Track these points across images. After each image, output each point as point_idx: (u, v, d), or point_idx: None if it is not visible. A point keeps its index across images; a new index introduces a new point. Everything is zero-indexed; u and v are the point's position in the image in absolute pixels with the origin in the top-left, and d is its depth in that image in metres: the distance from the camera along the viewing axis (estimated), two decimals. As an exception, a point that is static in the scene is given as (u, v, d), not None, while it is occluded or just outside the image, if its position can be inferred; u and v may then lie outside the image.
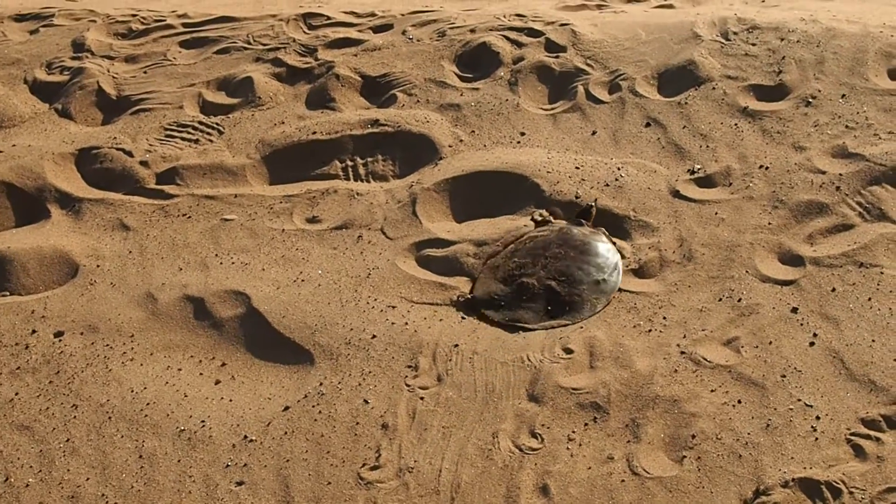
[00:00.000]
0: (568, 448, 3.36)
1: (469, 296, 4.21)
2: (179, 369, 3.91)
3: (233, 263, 4.37)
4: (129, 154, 5.15)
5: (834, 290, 3.89)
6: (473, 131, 5.09)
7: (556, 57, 5.56)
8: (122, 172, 5.08)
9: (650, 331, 3.82)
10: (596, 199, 4.62)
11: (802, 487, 3.13)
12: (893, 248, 4.07)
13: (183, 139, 5.26)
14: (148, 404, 3.72)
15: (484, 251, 4.32)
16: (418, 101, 5.35)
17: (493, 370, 3.71)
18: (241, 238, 4.54)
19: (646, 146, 4.90)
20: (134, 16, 6.60)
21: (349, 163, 5.00)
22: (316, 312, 4.02)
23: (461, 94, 5.36)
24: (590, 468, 3.28)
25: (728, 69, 5.31)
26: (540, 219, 4.56)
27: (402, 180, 4.85)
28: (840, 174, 4.45)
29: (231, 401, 3.73)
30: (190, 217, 4.71)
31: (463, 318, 4.07)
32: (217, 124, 5.36)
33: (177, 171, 5.01)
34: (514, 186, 4.68)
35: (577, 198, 4.54)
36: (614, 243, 4.40)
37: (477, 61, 5.68)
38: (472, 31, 5.87)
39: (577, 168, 4.73)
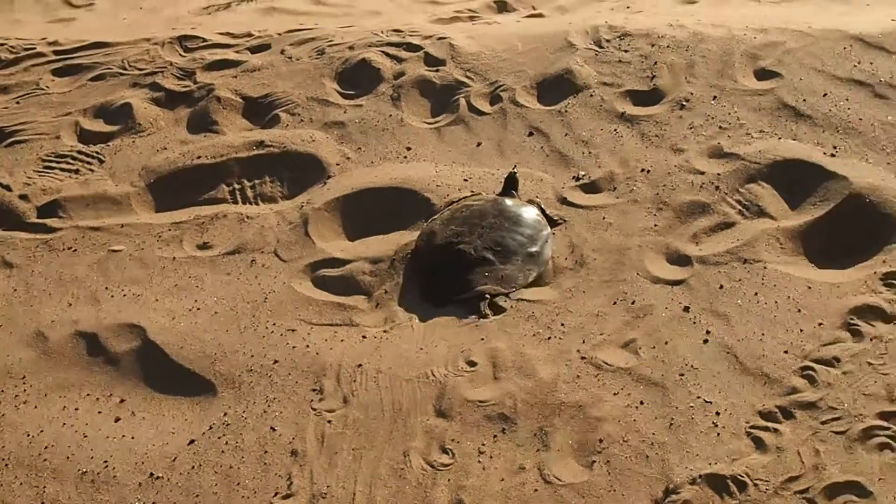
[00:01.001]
0: (479, 461, 3.36)
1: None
2: (76, 409, 3.80)
3: (124, 296, 4.27)
4: (7, 188, 4.99)
5: (722, 287, 3.98)
6: (360, 148, 5.06)
7: (437, 70, 5.56)
8: (1, 207, 4.91)
9: (550, 338, 3.84)
10: (516, 165, 4.83)
11: (710, 483, 3.19)
12: (774, 243, 4.19)
13: (62, 170, 5.13)
14: (46, 448, 3.61)
15: (379, 268, 4.25)
16: (302, 120, 5.30)
17: (398, 388, 3.69)
18: (131, 269, 4.44)
19: (530, 155, 4.94)
20: (2, 45, 6.43)
21: (237, 186, 4.93)
22: (214, 341, 3.95)
23: (345, 112, 5.33)
24: (503, 480, 3.28)
25: (604, 76, 5.38)
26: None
27: (292, 201, 4.80)
28: (718, 174, 4.56)
29: (133, 438, 3.63)
30: (76, 250, 4.59)
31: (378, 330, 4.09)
32: (97, 153, 5.24)
33: (58, 203, 4.87)
34: (404, 201, 4.66)
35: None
36: (545, 213, 4.53)
37: (358, 78, 5.64)
38: (351, 47, 5.83)
39: (466, 180, 4.75)
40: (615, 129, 4.98)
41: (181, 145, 5.22)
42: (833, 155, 4.61)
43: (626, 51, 5.52)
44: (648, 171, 4.66)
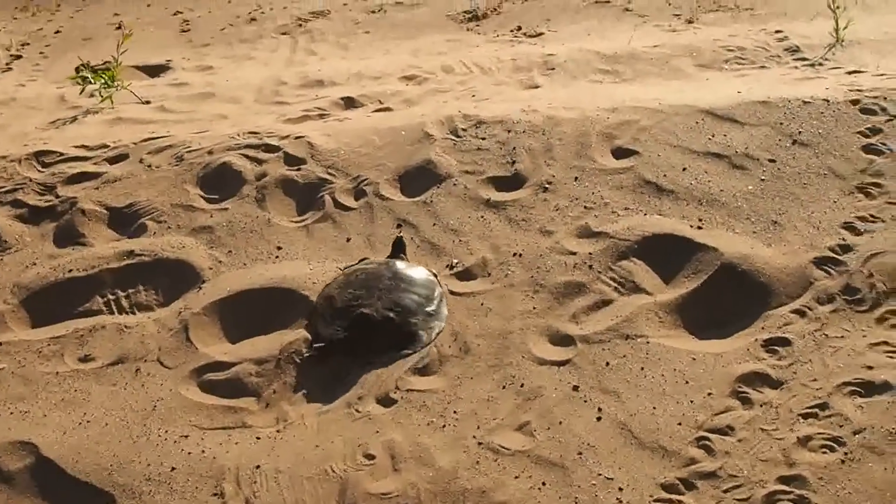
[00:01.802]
0: (389, 554, 3.30)
1: (317, 344, 4.41)
2: (-28, 533, 3.65)
3: (11, 413, 4.17)
4: None
5: (608, 364, 4.07)
6: (230, 251, 5.06)
7: (298, 169, 5.61)
8: None
9: (444, 426, 3.87)
10: (401, 228, 5.15)
11: (618, 561, 3.18)
12: (653, 317, 4.31)
13: (-71, 295, 5.01)
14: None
15: (266, 368, 4.25)
16: (169, 227, 5.27)
17: (299, 487, 3.68)
18: (14, 386, 4.33)
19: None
20: None
21: (111, 296, 4.87)
22: (109, 452, 3.89)
23: (211, 216, 5.33)
24: (414, 574, 3.24)
25: (465, 164, 5.50)
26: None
27: (169, 308, 4.76)
28: (590, 253, 4.69)
29: (38, 557, 3.53)
30: (-45, 371, 4.47)
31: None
32: (-35, 274, 5.12)
33: (-70, 327, 4.74)
34: (282, 300, 4.67)
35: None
36: (434, 274, 4.78)
37: (220, 182, 5.66)
38: (210, 152, 5.84)
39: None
40: (482, 216, 5.06)
41: (50, 260, 5.14)
42: (700, 227, 4.79)
43: (483, 138, 5.64)
44: (521, 255, 4.75)
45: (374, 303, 4.49)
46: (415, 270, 4.76)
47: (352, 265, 4.89)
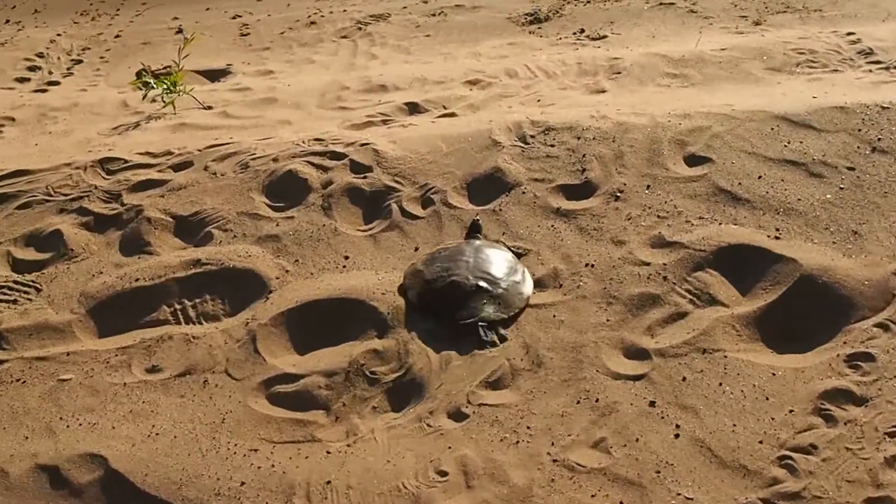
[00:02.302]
0: (467, 572, 3.22)
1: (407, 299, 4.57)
2: (44, 545, 3.61)
3: (80, 425, 4.12)
4: (-53, 323, 4.84)
5: (685, 379, 3.94)
6: (297, 260, 4.99)
7: (364, 177, 5.55)
8: (-56, 344, 4.73)
9: (518, 442, 3.76)
10: (477, 213, 5.21)
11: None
12: (730, 330, 4.17)
13: (0, 301, 4.97)
14: (18, 589, 3.44)
15: (335, 381, 4.18)
16: (235, 236, 5.22)
17: (371, 503, 3.56)
18: (82, 397, 4.28)
19: (470, 256, 4.85)
20: (-82, 182, 6.28)
21: (178, 306, 4.81)
22: (178, 466, 3.82)
23: (277, 225, 5.27)
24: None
25: (533, 172, 5.41)
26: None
27: (236, 318, 4.70)
28: (664, 264, 4.56)
29: (109, 571, 3.48)
30: (24, 381, 4.42)
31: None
32: (33, 282, 5.09)
33: (1, 335, 4.71)
34: (351, 312, 4.58)
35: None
36: (513, 251, 4.89)
37: (286, 190, 5.60)
38: (275, 159, 5.79)
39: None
40: (552, 225, 4.98)
41: (116, 269, 5.10)
42: (777, 237, 4.66)
43: (552, 145, 5.56)
44: (593, 266, 4.65)
45: (462, 272, 4.59)
46: (494, 247, 4.86)
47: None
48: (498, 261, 4.70)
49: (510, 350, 4.25)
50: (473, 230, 5.07)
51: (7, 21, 13.67)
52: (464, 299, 4.50)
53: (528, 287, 4.61)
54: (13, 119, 8.07)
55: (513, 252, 4.89)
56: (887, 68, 7.06)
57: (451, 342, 4.33)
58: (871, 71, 7.06)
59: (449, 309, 4.50)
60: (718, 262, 4.57)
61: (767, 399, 3.81)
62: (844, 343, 4.07)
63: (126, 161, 6.07)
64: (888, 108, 5.57)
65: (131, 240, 5.35)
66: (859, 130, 5.41)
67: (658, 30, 9.85)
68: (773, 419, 3.71)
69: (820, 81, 6.82)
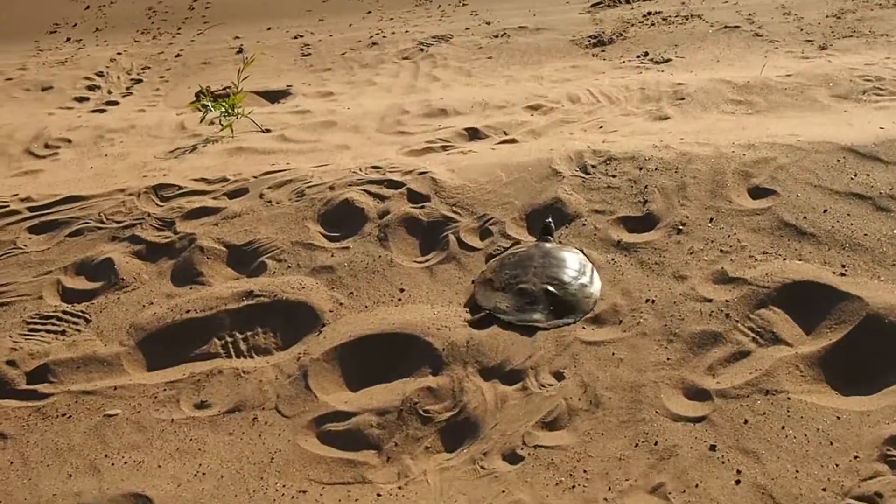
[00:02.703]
0: None
1: (480, 313, 4.65)
2: (88, 588, 3.55)
3: (125, 463, 4.05)
4: (-6, 354, 4.79)
5: (746, 422, 3.80)
6: (352, 293, 4.90)
7: (422, 207, 5.46)
8: (-11, 375, 4.69)
9: (574, 486, 3.64)
10: (549, 218, 5.27)
11: None
12: (794, 371, 4.02)
13: (48, 332, 4.92)
14: None
15: (387, 420, 4.08)
16: (289, 266, 5.15)
17: (422, 549, 3.46)
18: (129, 434, 4.22)
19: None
20: (-28, 205, 6.27)
21: (229, 339, 4.74)
22: (224, 508, 3.74)
23: (332, 255, 5.19)
24: None
25: (594, 203, 5.31)
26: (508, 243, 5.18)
27: (288, 352, 4.61)
28: (726, 300, 4.42)
29: None
30: (70, 416, 4.36)
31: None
32: (82, 312, 5.04)
33: (48, 367, 4.64)
34: (405, 348, 4.49)
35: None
36: (583, 252, 4.99)
37: (341, 219, 5.53)
38: (331, 188, 5.73)
39: (465, 322, 4.58)
40: (613, 259, 4.87)
41: (168, 299, 5.04)
42: (843, 274, 4.52)
43: (613, 176, 5.46)
44: (653, 302, 4.53)
45: (530, 279, 4.72)
46: (564, 249, 4.97)
47: (500, 251, 5.12)
48: (566, 263, 4.81)
49: (567, 389, 4.12)
50: (545, 233, 5.16)
51: (68, 39, 13.79)
52: (531, 305, 4.62)
53: (595, 288, 4.72)
54: (70, 140, 8.10)
55: (583, 254, 4.98)
56: (955, 97, 6.91)
57: (508, 379, 4.22)
58: (937, 99, 6.92)
59: (518, 313, 4.60)
60: (782, 299, 4.42)
61: (831, 444, 3.67)
62: (911, 385, 3.89)
63: (180, 187, 6.04)
64: (957, 140, 5.42)
65: (183, 269, 5.30)
66: (927, 164, 5.25)
67: (723, 53, 9.75)
68: (837, 465, 3.57)
69: (887, 110, 6.68)
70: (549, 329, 4.46)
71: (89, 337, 4.84)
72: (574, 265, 4.81)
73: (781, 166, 5.34)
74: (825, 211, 4.96)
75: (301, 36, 12.53)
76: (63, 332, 4.89)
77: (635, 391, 4.06)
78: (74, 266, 5.42)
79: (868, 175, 5.20)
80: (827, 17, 10.68)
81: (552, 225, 5.22)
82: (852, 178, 5.18)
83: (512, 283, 4.73)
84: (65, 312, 5.04)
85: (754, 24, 10.76)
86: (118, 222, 5.74)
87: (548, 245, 5.02)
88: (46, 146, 8.08)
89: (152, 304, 5.03)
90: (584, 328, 4.46)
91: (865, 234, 4.76)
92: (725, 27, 10.73)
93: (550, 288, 4.66)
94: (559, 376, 4.14)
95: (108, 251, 5.48)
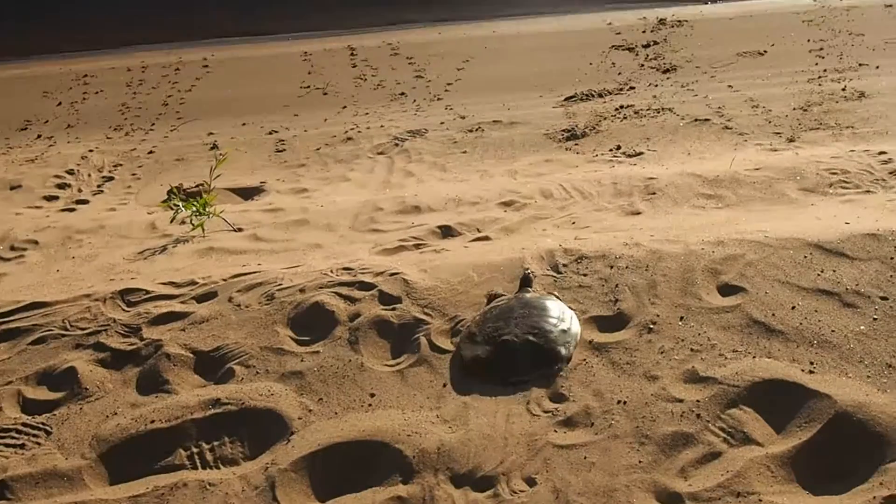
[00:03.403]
0: None
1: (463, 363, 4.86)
2: None
3: (85, 584, 3.95)
4: (-51, 472, 4.67)
5: (719, 525, 3.68)
6: (321, 399, 4.82)
7: (393, 309, 5.41)
8: (-56, 497, 4.56)
9: None
10: (528, 268, 5.60)
11: None
12: (765, 471, 3.98)
13: (7, 446, 4.79)
14: None
15: (359, 530, 4.00)
16: (258, 372, 5.06)
17: None
18: (86, 555, 4.11)
19: (500, 393, 4.70)
20: (-70, 309, 6.17)
21: (195, 450, 4.63)
22: None
23: (301, 360, 5.11)
24: None
25: (566, 303, 5.24)
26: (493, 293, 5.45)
27: (255, 462, 4.50)
28: (697, 400, 4.39)
29: None
30: (29, 536, 4.26)
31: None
32: (43, 424, 4.92)
33: (6, 483, 4.50)
34: (375, 455, 4.39)
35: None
36: (559, 298, 5.26)
37: (312, 323, 5.45)
38: (302, 290, 5.67)
39: (434, 424, 4.51)
40: (584, 359, 4.82)
41: (132, 409, 4.93)
42: (811, 371, 4.50)
43: (584, 274, 5.45)
44: (625, 403, 4.48)
45: (512, 330, 4.88)
46: (543, 298, 5.21)
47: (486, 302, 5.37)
48: (547, 312, 5.00)
49: (540, 495, 4.03)
50: (524, 284, 5.44)
51: (39, 136, 13.80)
52: (514, 357, 4.82)
53: (574, 332, 4.98)
54: (37, 242, 8.07)
55: (559, 298, 5.27)
56: (918, 189, 6.96)
57: (479, 486, 4.13)
58: (902, 192, 6.97)
59: (504, 369, 4.79)
60: (752, 397, 4.38)
61: (804, 546, 3.58)
62: (881, 484, 3.85)
63: (148, 292, 5.96)
64: (920, 234, 5.43)
65: (149, 377, 5.19)
66: (892, 258, 5.26)
67: (693, 146, 9.82)
68: (810, 568, 3.50)
69: (852, 203, 6.74)
70: (530, 380, 4.67)
71: (50, 450, 4.72)
72: (554, 313, 5.00)
73: (750, 263, 5.34)
74: (793, 308, 4.95)
75: (276, 131, 12.54)
76: (23, 446, 4.77)
77: (608, 496, 3.97)
78: (36, 376, 5.31)
79: (834, 271, 5.20)
80: (794, 109, 10.78)
81: (532, 275, 5.51)
82: (819, 275, 5.18)
83: (495, 336, 4.89)
84: (24, 425, 4.92)
85: (724, 116, 10.85)
86: (83, 329, 5.65)
87: (527, 296, 5.23)
88: (12, 248, 8.03)
89: (116, 414, 4.92)
90: (555, 431, 4.37)
91: (833, 331, 4.75)
92: (696, 120, 10.82)
93: (531, 338, 4.84)
94: (531, 482, 4.06)
95: (71, 360, 5.37)
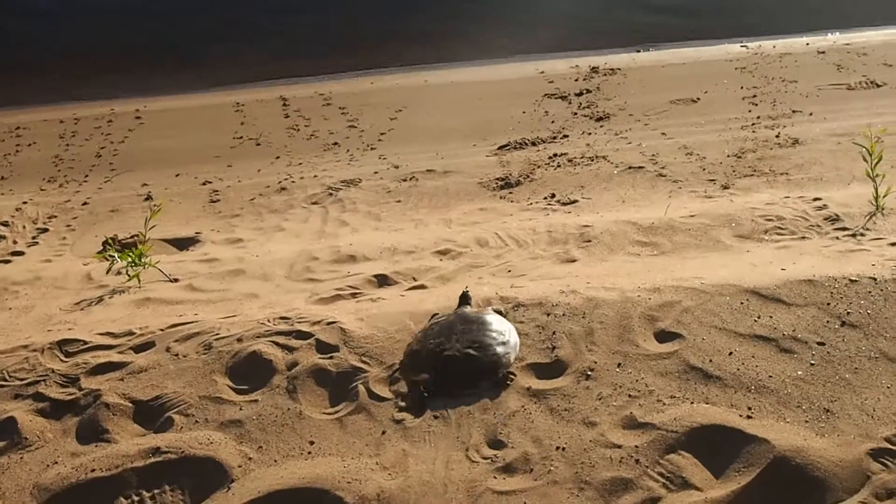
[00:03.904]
0: None
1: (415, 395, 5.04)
2: None
3: None
4: None
5: (658, 572, 3.77)
6: (261, 447, 4.84)
7: (330, 357, 5.44)
8: None
9: None
10: (466, 287, 6.05)
11: None
12: (703, 515, 3.99)
13: (-53, 496, 4.79)
14: None
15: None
16: (197, 421, 5.07)
17: None
18: None
19: (440, 441, 4.72)
20: None
21: (135, 498, 4.63)
22: None
23: (240, 409, 5.13)
24: None
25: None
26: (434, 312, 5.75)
27: (196, 510, 4.51)
28: (636, 446, 4.44)
29: None
30: (-33, 589, 4.24)
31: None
32: (-17, 475, 4.92)
33: (-53, 534, 4.52)
34: (315, 502, 4.42)
35: None
36: (500, 312, 5.58)
37: (250, 371, 5.47)
38: (239, 339, 5.69)
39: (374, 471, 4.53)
40: (523, 406, 4.87)
41: (73, 458, 4.93)
42: (749, 416, 4.56)
43: (521, 321, 5.49)
44: (564, 449, 4.53)
45: (454, 345, 5.16)
46: (481, 313, 5.51)
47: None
48: (486, 326, 5.31)
49: (481, 540, 4.07)
50: (463, 301, 5.78)
51: (-28, 188, 13.69)
52: (457, 370, 5.10)
53: (514, 343, 5.30)
54: (-28, 294, 8.00)
55: (499, 312, 5.62)
56: (853, 235, 7.08)
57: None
58: (837, 238, 7.07)
59: (451, 384, 5.06)
60: (691, 443, 4.44)
61: None
62: (822, 529, 3.89)
63: (86, 342, 5.95)
64: (856, 280, 5.54)
65: (89, 427, 5.17)
66: (828, 304, 5.35)
67: (628, 194, 9.90)
68: None
69: (788, 249, 6.82)
70: (479, 391, 4.97)
71: (-9, 500, 4.71)
72: (492, 325, 5.31)
73: (686, 309, 5.40)
74: (730, 353, 5.02)
75: (210, 182, 12.51)
76: (-37, 496, 4.77)
77: (548, 541, 3.99)
78: (-26, 434, 5.29)
79: (771, 317, 5.27)
80: (728, 156, 10.90)
81: (469, 294, 5.85)
82: (756, 321, 5.25)
83: (437, 352, 5.16)
84: (-35, 476, 4.91)
85: (658, 164, 10.95)
86: (21, 379, 5.63)
87: (467, 311, 5.57)
88: (-51, 299, 7.98)
89: (57, 463, 4.92)
90: (495, 478, 4.41)
91: (770, 376, 4.82)
92: (630, 168, 10.91)
93: (472, 352, 5.12)
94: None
95: (10, 409, 5.35)
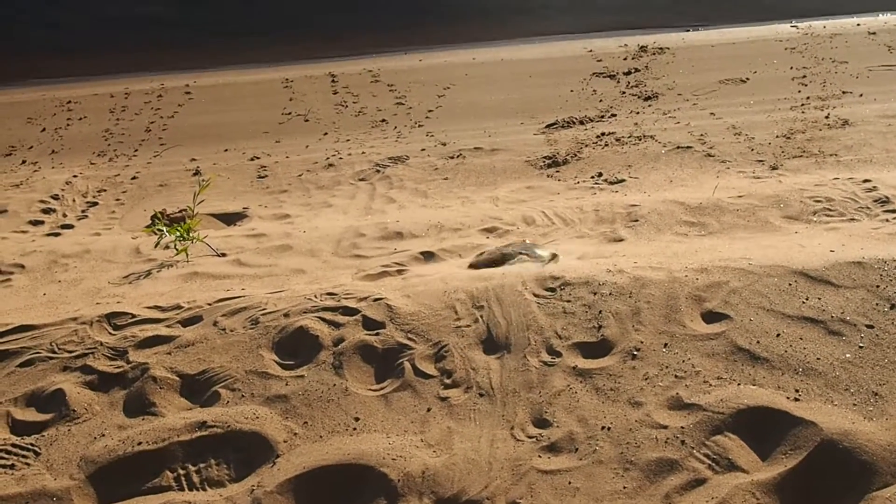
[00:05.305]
0: None
1: None
2: None
3: None
4: (-60, 495, 4.69)
5: (704, 553, 3.72)
6: (306, 422, 4.85)
7: (377, 334, 5.43)
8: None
9: None
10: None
11: None
12: (750, 498, 3.99)
13: (-3, 466, 4.84)
14: None
15: (342, 555, 4.03)
16: (243, 395, 5.09)
17: None
18: (78, 574, 4.14)
19: (485, 419, 4.70)
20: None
21: (181, 471, 4.66)
22: None
23: (286, 384, 5.13)
24: None
25: (552, 329, 5.24)
26: None
27: (241, 484, 4.53)
28: (682, 427, 4.39)
29: None
30: (18, 556, 4.28)
31: None
32: (32, 445, 4.95)
33: (-5, 504, 4.56)
34: (359, 479, 4.42)
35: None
36: None
37: (296, 347, 5.46)
38: (286, 315, 5.69)
39: (418, 448, 4.52)
40: (569, 385, 4.84)
41: (119, 431, 4.96)
42: (797, 399, 4.51)
43: (568, 301, 5.46)
44: (609, 429, 4.51)
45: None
46: None
47: None
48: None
49: (527, 526, 4.05)
50: None
51: (23, 162, 13.77)
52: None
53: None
54: (23, 266, 8.05)
55: None
56: (903, 217, 6.99)
57: (466, 510, 4.10)
58: (887, 220, 6.99)
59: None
60: (737, 425, 4.40)
61: (790, 574, 3.63)
62: (865, 512, 3.86)
63: (134, 315, 5.98)
64: (906, 263, 5.46)
65: (136, 400, 5.21)
66: (877, 287, 5.28)
67: (675, 174, 9.84)
68: None
69: (836, 231, 6.76)
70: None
71: (39, 471, 4.75)
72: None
73: (734, 290, 5.36)
74: (778, 335, 4.96)
75: (258, 158, 12.54)
76: (12, 466, 4.80)
77: (592, 522, 3.96)
78: (25, 397, 5.33)
79: (819, 299, 5.22)
80: (777, 137, 10.81)
81: None
82: (804, 302, 5.20)
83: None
84: (14, 445, 4.95)
85: (706, 144, 10.88)
86: (70, 352, 5.67)
87: None
88: (-1, 272, 8.03)
89: (104, 435, 4.95)
90: (540, 457, 4.40)
91: (818, 359, 4.77)
92: (678, 147, 10.84)
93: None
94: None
95: (59, 382, 5.39)
